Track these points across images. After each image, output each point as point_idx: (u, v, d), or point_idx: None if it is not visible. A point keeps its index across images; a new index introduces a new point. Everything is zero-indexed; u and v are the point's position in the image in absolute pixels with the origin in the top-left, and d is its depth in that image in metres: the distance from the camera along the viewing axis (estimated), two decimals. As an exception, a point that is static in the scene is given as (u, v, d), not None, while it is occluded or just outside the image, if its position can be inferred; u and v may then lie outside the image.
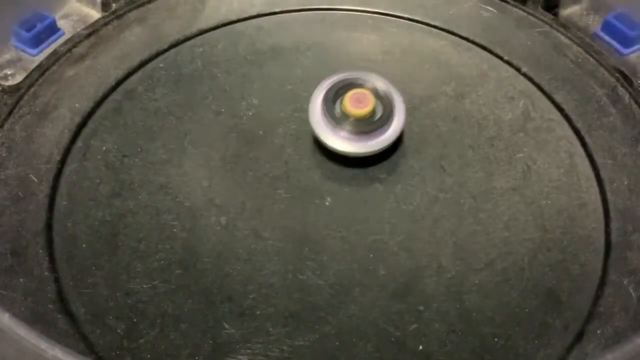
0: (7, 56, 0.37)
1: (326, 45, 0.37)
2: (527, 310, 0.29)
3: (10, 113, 0.34)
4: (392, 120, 0.32)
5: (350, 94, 0.32)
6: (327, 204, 0.31)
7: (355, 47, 0.37)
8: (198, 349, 0.28)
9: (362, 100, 0.32)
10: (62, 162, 0.33)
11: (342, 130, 0.32)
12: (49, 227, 0.30)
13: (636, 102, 0.35)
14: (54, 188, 0.32)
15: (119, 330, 0.28)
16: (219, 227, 0.31)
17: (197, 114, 0.34)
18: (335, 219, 0.31)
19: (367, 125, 0.32)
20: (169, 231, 0.31)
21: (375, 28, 0.38)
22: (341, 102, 0.32)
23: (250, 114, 0.34)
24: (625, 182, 0.32)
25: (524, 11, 0.39)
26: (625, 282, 0.29)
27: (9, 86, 0.35)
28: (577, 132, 0.34)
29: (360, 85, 0.33)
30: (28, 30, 0.37)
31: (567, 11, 0.40)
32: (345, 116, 0.32)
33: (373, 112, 0.32)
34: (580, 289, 0.29)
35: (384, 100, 0.32)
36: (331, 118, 0.32)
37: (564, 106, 0.35)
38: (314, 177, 0.32)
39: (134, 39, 0.37)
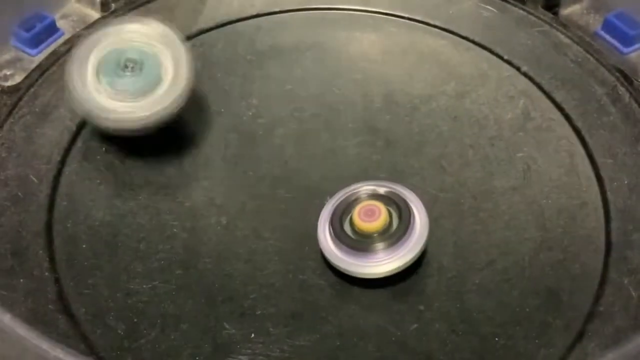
0: (6, 56, 0.37)
1: (326, 45, 0.37)
2: (527, 309, 0.29)
3: (10, 113, 0.34)
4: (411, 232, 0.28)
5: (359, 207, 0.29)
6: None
7: (355, 47, 0.37)
8: (199, 349, 0.27)
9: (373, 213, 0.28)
10: (62, 162, 0.32)
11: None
12: (49, 227, 0.30)
13: (636, 101, 0.35)
14: (54, 188, 0.32)
15: (119, 331, 0.28)
16: (219, 227, 0.31)
17: (197, 114, 0.34)
18: (335, 219, 0.31)
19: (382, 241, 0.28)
20: (169, 231, 0.30)
21: (375, 28, 0.38)
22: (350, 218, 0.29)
23: (250, 113, 0.34)
24: (626, 182, 0.32)
25: (524, 10, 0.39)
26: (625, 282, 0.29)
27: (9, 86, 0.35)
28: (577, 131, 0.34)
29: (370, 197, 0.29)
30: (27, 30, 0.37)
31: (567, 10, 0.40)
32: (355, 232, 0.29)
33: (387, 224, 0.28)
34: (581, 288, 0.29)
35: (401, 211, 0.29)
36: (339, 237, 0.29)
37: (564, 105, 0.35)
38: (314, 177, 0.32)
39: (133, 39, 0.37)
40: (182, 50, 0.30)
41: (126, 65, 0.30)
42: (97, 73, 0.30)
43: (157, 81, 0.30)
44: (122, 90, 0.30)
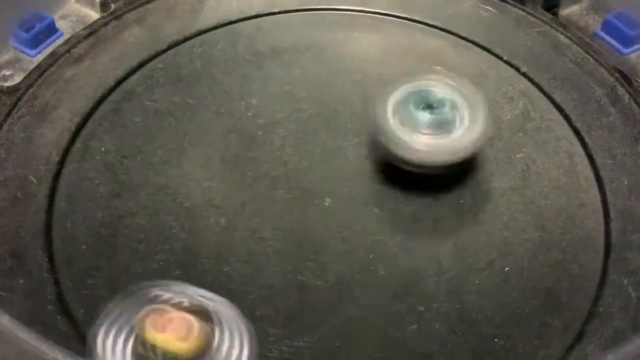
0: (5, 57, 0.37)
1: (326, 45, 0.37)
2: (527, 310, 0.29)
3: (9, 114, 0.34)
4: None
5: None
6: (327, 204, 0.31)
7: (355, 47, 0.37)
8: (198, 350, 0.27)
9: None
10: (61, 163, 0.32)
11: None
12: (48, 228, 0.30)
13: (636, 102, 0.35)
14: (53, 189, 0.32)
15: (118, 332, 0.28)
16: (218, 228, 0.31)
17: (197, 114, 0.34)
18: (335, 219, 0.31)
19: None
20: (169, 232, 0.30)
21: (375, 28, 0.38)
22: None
23: (250, 114, 0.34)
24: (625, 182, 0.32)
25: (524, 11, 0.39)
26: (625, 282, 0.29)
27: (8, 87, 0.35)
28: (576, 132, 0.34)
29: None
30: (27, 30, 0.37)
31: (567, 11, 0.40)
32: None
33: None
34: (580, 289, 0.29)
35: None
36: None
37: (564, 106, 0.35)
38: (314, 177, 0.32)
39: (132, 40, 0.37)
40: (478, 97, 0.31)
41: (427, 105, 0.31)
42: (397, 109, 0.31)
43: (454, 123, 0.31)
44: (422, 127, 0.30)
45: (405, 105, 0.31)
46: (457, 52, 0.37)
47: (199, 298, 0.23)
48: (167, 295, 0.22)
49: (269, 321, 0.28)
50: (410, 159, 0.30)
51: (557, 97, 0.35)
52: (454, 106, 0.31)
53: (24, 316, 0.27)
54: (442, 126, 0.30)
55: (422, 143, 0.30)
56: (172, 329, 0.21)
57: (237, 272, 0.29)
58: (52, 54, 0.36)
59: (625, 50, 0.38)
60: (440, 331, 0.28)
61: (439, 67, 0.33)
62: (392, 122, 0.30)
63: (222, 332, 0.22)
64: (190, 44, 0.37)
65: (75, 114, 0.34)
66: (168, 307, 0.22)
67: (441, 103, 0.31)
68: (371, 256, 0.30)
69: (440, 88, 0.31)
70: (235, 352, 0.22)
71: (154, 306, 0.22)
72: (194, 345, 0.21)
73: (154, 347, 0.21)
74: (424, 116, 0.30)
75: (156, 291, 0.22)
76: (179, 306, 0.22)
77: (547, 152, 0.33)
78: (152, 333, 0.21)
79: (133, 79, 0.36)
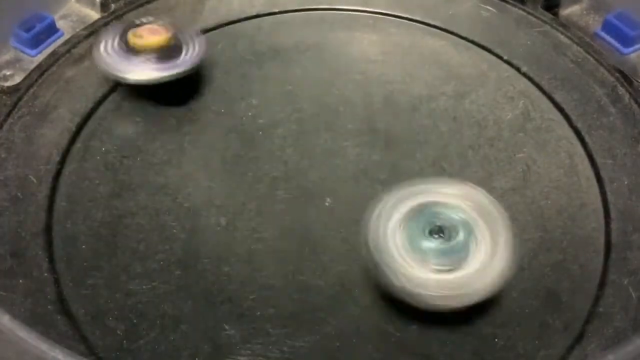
0: (6, 57, 0.37)
1: (326, 45, 0.37)
2: (527, 310, 0.29)
3: (9, 114, 0.34)
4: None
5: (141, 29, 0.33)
6: (327, 204, 0.31)
7: (355, 47, 0.37)
8: (198, 350, 0.27)
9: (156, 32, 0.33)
10: (62, 162, 0.32)
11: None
12: (48, 228, 0.30)
13: (636, 101, 0.35)
14: (54, 189, 0.32)
15: (119, 332, 0.28)
16: (218, 228, 0.31)
17: (197, 114, 0.34)
18: (335, 219, 0.31)
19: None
20: (169, 232, 0.30)
21: (375, 28, 0.38)
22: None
23: (250, 114, 0.34)
24: (625, 182, 0.32)
25: (524, 11, 0.39)
26: (625, 282, 0.29)
27: (8, 87, 0.35)
28: (577, 132, 0.34)
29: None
30: (27, 30, 0.37)
31: (567, 11, 0.40)
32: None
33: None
34: (581, 289, 0.29)
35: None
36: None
37: (564, 106, 0.35)
38: (314, 177, 0.32)
39: (133, 40, 0.37)
40: (501, 225, 0.26)
41: (436, 229, 0.25)
42: (400, 228, 0.25)
43: (466, 255, 0.25)
44: (427, 255, 0.25)
45: (408, 226, 0.25)
46: (458, 52, 0.37)
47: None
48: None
49: (269, 321, 0.28)
50: (418, 301, 0.25)
51: (558, 97, 0.35)
52: (468, 229, 0.25)
53: (24, 316, 0.27)
54: (455, 257, 0.25)
55: (432, 281, 0.25)
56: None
57: (237, 272, 0.29)
58: (53, 54, 0.36)
59: (625, 50, 0.38)
60: (440, 331, 0.28)
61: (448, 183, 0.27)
62: (394, 249, 0.25)
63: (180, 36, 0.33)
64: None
65: (75, 114, 0.34)
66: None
67: (453, 227, 0.25)
68: (371, 256, 0.30)
69: (451, 205, 0.26)
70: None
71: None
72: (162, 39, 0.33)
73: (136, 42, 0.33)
74: (433, 244, 0.25)
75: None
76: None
77: (548, 152, 0.33)
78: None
79: (133, 79, 0.36)
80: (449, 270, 0.25)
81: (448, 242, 0.25)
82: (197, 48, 0.34)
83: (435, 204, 0.26)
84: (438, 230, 0.25)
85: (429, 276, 0.25)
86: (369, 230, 0.26)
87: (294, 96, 0.35)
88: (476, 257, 0.25)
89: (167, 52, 0.33)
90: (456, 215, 0.25)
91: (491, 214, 0.26)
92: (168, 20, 0.35)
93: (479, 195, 0.26)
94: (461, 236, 0.25)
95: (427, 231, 0.25)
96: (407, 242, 0.25)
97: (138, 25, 0.34)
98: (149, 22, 0.34)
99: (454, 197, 0.26)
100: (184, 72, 0.33)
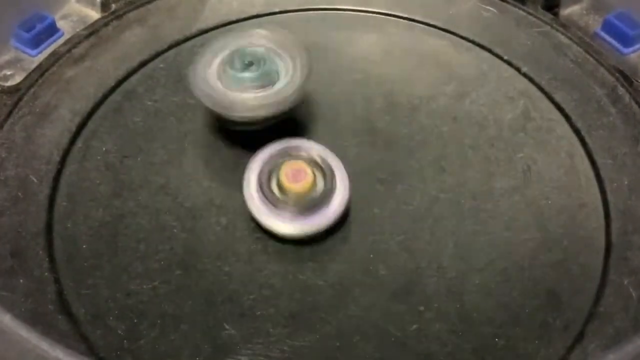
0: (6, 57, 0.37)
1: (326, 45, 0.37)
2: (527, 310, 0.29)
3: (9, 114, 0.34)
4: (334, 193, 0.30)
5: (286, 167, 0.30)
6: (327, 204, 0.31)
7: (355, 47, 0.37)
8: (198, 349, 0.27)
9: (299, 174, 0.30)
10: (62, 162, 0.32)
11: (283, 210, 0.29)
12: (49, 228, 0.30)
13: (636, 102, 0.35)
14: (54, 189, 0.32)
15: (119, 331, 0.28)
16: (219, 228, 0.31)
17: (197, 114, 0.34)
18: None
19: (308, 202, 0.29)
20: (169, 232, 0.30)
21: (375, 28, 0.38)
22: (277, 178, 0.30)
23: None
24: (626, 182, 0.32)
25: (524, 11, 0.39)
26: (625, 282, 0.29)
27: (9, 87, 0.35)
28: (577, 132, 0.34)
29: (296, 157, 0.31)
30: (28, 30, 0.37)
31: (567, 11, 0.40)
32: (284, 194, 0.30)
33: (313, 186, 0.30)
34: (581, 289, 0.29)
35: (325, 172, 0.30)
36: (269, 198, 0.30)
37: (564, 106, 0.35)
38: (314, 177, 0.32)
39: (133, 40, 0.37)
40: (302, 55, 0.32)
41: (249, 62, 0.31)
42: (222, 67, 0.32)
43: (274, 78, 0.32)
44: (243, 83, 0.31)
45: (227, 66, 0.31)
46: (458, 52, 0.37)
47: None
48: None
49: (270, 321, 0.28)
50: (239, 116, 0.31)
51: (558, 97, 0.35)
52: (273, 60, 0.32)
53: (24, 315, 0.27)
54: (266, 80, 0.31)
55: (247, 99, 0.31)
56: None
57: (238, 272, 0.29)
58: (53, 53, 0.36)
59: (625, 50, 0.38)
60: (440, 331, 0.28)
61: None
62: (216, 84, 0.31)
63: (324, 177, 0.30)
64: (191, 44, 0.37)
65: (76, 114, 0.34)
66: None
67: (262, 59, 0.31)
68: (371, 256, 0.30)
69: (259, 44, 0.32)
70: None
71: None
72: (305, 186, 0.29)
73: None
74: (246, 74, 0.31)
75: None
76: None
77: (548, 152, 0.33)
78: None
79: (134, 78, 0.36)
80: (263, 88, 0.31)
81: (257, 70, 0.31)
82: None
83: (245, 46, 0.32)
84: (250, 64, 0.31)
85: (249, 94, 0.31)
86: (194, 77, 0.31)
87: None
88: (282, 78, 0.32)
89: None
90: (262, 50, 0.32)
91: (290, 45, 0.32)
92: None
93: (280, 34, 0.33)
94: (268, 64, 0.31)
95: (241, 67, 0.31)
96: (228, 78, 0.31)
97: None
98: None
99: (259, 38, 0.33)
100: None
